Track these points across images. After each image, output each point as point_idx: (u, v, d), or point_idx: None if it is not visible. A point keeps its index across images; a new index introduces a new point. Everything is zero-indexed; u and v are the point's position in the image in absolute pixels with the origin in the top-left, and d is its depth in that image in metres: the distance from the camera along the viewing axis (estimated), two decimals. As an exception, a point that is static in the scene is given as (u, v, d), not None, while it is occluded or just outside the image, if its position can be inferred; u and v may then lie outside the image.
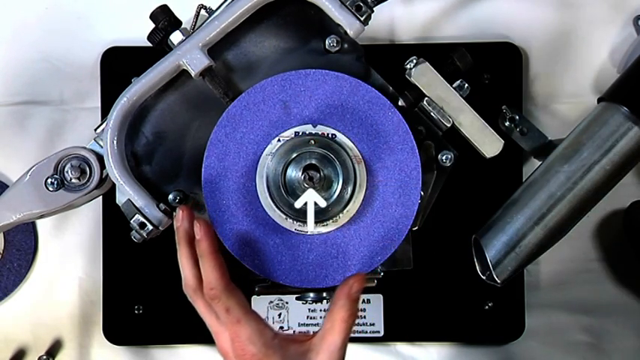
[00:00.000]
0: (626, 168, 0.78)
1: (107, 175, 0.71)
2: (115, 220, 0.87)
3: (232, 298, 0.66)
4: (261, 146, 0.70)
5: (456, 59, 0.75)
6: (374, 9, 0.72)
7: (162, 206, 0.70)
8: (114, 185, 0.72)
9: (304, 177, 0.68)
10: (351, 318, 0.66)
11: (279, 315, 0.90)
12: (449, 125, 0.72)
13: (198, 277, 0.67)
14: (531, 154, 0.87)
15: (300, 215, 0.69)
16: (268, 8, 0.72)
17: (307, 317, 0.90)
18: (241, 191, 0.70)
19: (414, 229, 0.73)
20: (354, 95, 0.70)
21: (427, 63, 0.72)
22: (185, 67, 0.70)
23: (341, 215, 0.70)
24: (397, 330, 0.91)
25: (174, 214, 0.71)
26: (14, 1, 0.92)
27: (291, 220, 0.69)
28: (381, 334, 0.90)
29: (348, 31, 0.71)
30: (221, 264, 0.66)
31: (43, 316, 0.91)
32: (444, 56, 0.76)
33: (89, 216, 0.91)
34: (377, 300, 0.90)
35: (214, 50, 0.71)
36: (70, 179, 0.72)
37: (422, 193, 0.71)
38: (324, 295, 0.74)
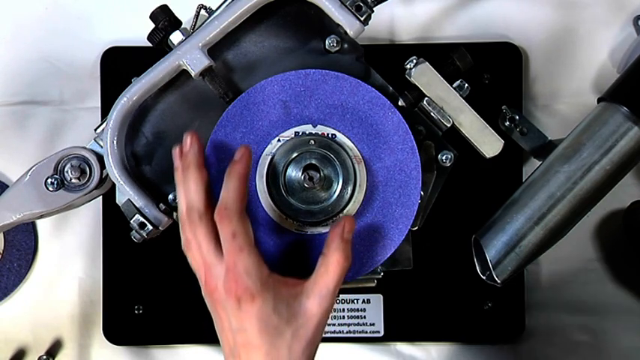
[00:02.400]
0: (626, 168, 0.77)
1: (107, 175, 0.71)
2: (115, 220, 0.88)
3: (242, 224, 0.64)
4: (261, 146, 0.70)
5: (456, 59, 0.75)
6: (374, 9, 0.72)
7: (162, 206, 0.70)
8: (114, 185, 0.71)
9: (304, 177, 0.68)
10: (347, 261, 0.66)
11: (279, 315, 0.90)
12: (449, 125, 0.72)
13: (206, 201, 0.66)
14: (531, 154, 0.87)
15: (300, 215, 0.69)
16: (268, 8, 0.72)
17: (307, 317, 0.90)
18: (241, 191, 0.70)
19: (414, 229, 0.73)
20: (354, 95, 0.70)
21: (427, 63, 0.72)
22: (185, 67, 0.70)
23: (341, 215, 0.70)
24: (397, 330, 0.91)
25: (174, 214, 0.71)
26: (14, 1, 0.92)
27: (291, 220, 0.69)
28: (381, 334, 0.90)
29: (348, 31, 0.71)
30: (245, 191, 0.65)
31: (43, 316, 0.92)
32: (444, 56, 0.76)
33: (89, 216, 0.91)
34: (377, 300, 0.90)
35: (214, 50, 0.71)
36: (70, 179, 0.72)
37: (422, 193, 0.71)
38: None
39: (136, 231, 0.70)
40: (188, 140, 0.68)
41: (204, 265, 0.65)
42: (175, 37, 0.72)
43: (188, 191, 0.66)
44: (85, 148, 0.73)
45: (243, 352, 0.64)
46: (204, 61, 0.69)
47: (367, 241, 0.70)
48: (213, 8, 0.73)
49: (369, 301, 0.91)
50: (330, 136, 0.70)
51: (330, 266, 0.65)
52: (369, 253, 0.70)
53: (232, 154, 0.69)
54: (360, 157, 0.70)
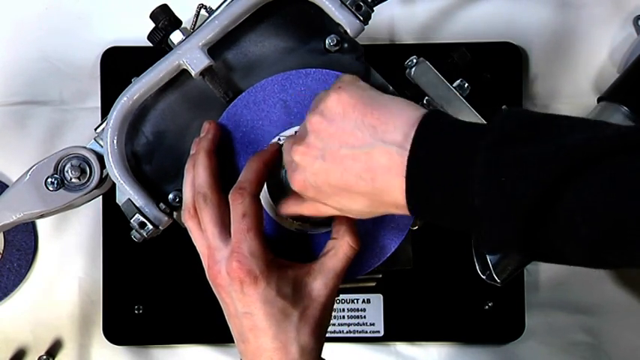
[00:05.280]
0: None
1: (107, 174, 0.71)
2: (115, 220, 0.87)
3: (254, 206, 0.64)
4: (261, 146, 0.70)
5: (456, 59, 0.75)
6: (374, 8, 0.72)
7: (163, 206, 0.70)
8: (114, 185, 0.71)
9: (304, 176, 0.68)
10: (357, 244, 0.66)
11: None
12: (449, 125, 0.72)
13: (213, 185, 0.66)
14: (531, 153, 0.87)
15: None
16: (268, 8, 0.72)
17: (307, 317, 0.90)
18: (241, 191, 0.70)
19: (414, 228, 0.72)
20: (354, 95, 0.70)
21: (427, 62, 0.72)
22: (185, 67, 0.70)
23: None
24: (397, 330, 0.91)
25: (174, 213, 0.71)
26: (14, 1, 0.92)
27: (291, 220, 0.69)
28: (381, 334, 0.91)
29: (348, 31, 0.71)
30: (264, 177, 0.66)
31: (43, 316, 0.91)
32: (444, 56, 0.76)
33: (89, 216, 0.91)
34: (377, 300, 0.90)
35: (214, 50, 0.71)
36: (70, 179, 0.72)
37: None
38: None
39: (136, 230, 0.70)
40: (205, 127, 0.69)
41: (208, 249, 0.65)
42: (175, 36, 0.72)
43: (197, 175, 0.67)
44: (85, 147, 0.73)
45: (252, 336, 0.64)
46: (204, 61, 0.69)
47: (367, 240, 0.70)
48: (214, 8, 0.73)
49: (369, 301, 0.91)
50: (330, 135, 0.70)
51: (341, 249, 0.65)
52: (369, 252, 0.70)
53: (232, 153, 0.70)
54: (360, 156, 0.70)
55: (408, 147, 0.54)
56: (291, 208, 0.66)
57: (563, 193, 0.50)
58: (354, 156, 0.57)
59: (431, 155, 0.54)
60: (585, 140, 0.50)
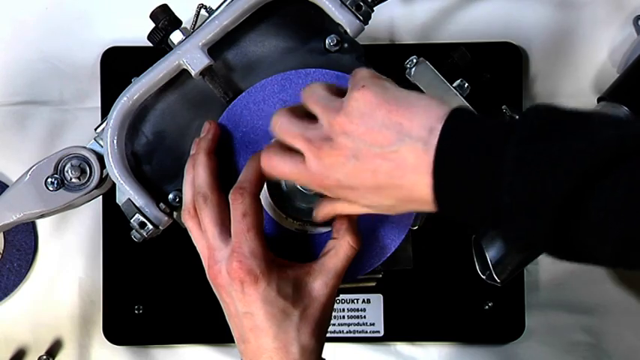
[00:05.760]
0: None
1: (107, 174, 0.71)
2: (115, 220, 0.88)
3: (254, 206, 0.64)
4: (261, 146, 0.70)
5: (456, 59, 0.75)
6: (374, 8, 0.72)
7: (163, 205, 0.70)
8: (114, 185, 0.71)
9: (304, 176, 0.68)
10: (357, 244, 0.66)
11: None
12: (449, 125, 0.72)
13: (212, 185, 0.66)
14: (531, 153, 0.87)
15: (301, 214, 0.69)
16: (268, 8, 0.72)
17: (307, 317, 0.90)
18: (241, 191, 0.70)
19: (415, 228, 0.72)
20: (354, 94, 0.70)
21: (427, 62, 0.72)
22: (185, 67, 0.70)
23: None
24: (397, 330, 0.91)
25: (174, 213, 0.71)
26: (14, 1, 0.92)
27: (291, 220, 0.69)
28: (381, 334, 0.91)
29: (348, 31, 0.71)
30: (264, 177, 0.65)
31: (43, 316, 0.91)
32: (444, 56, 0.76)
33: (89, 216, 0.91)
34: (377, 300, 0.90)
35: (214, 49, 0.71)
36: (70, 179, 0.72)
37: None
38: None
39: (136, 230, 0.70)
40: (206, 127, 0.69)
41: (208, 250, 0.65)
42: (175, 36, 0.72)
43: (197, 176, 0.67)
44: (85, 147, 0.73)
45: (252, 336, 0.64)
46: (204, 61, 0.69)
47: (367, 240, 0.70)
48: (214, 8, 0.73)
49: (369, 301, 0.91)
50: (330, 135, 0.70)
51: (341, 249, 0.65)
52: (369, 252, 0.70)
53: (232, 153, 0.70)
54: (360, 156, 0.70)
55: (434, 142, 0.54)
56: (326, 209, 0.65)
57: (594, 190, 0.49)
58: (383, 155, 0.56)
59: (458, 149, 0.53)
60: (618, 137, 0.49)
